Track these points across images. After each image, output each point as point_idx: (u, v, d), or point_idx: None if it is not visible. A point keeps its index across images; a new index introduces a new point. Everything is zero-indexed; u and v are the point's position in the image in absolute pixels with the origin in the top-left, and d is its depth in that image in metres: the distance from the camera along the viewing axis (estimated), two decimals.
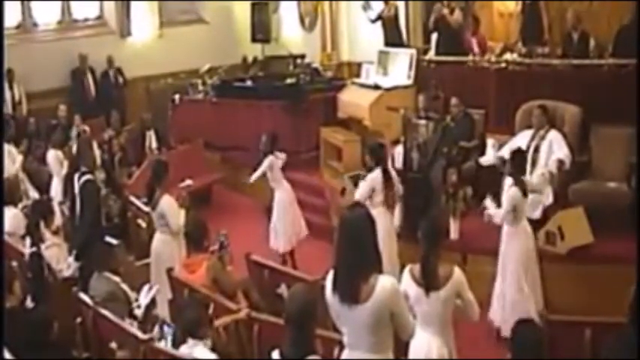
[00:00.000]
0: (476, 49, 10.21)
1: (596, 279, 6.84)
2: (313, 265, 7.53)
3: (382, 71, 10.61)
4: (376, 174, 7.07)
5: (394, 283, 3.75)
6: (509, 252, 6.46)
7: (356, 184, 7.46)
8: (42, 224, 6.85)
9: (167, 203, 6.82)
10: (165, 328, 5.32)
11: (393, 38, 10.61)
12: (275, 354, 3.59)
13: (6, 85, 11.97)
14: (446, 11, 9.90)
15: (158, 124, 11.65)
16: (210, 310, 4.76)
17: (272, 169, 8.36)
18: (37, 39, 13.03)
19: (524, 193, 6.39)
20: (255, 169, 8.53)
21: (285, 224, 8.43)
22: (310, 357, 3.51)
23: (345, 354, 3.85)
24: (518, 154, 6.73)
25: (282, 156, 8.47)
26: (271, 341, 4.69)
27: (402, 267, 4.81)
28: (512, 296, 6.40)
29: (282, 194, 8.46)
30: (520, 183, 6.41)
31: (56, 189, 9.25)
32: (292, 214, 8.53)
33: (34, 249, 6.44)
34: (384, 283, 3.65)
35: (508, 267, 6.46)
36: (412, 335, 3.89)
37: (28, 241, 6.67)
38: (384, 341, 3.75)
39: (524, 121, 8.24)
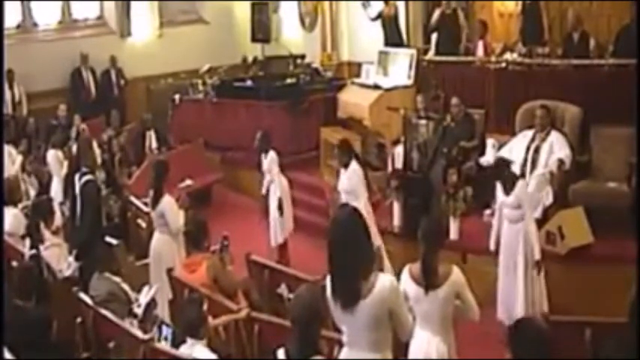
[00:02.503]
0: (480, 52, 10.22)
1: (596, 279, 6.83)
2: (313, 265, 7.52)
3: (382, 71, 10.61)
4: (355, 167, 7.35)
5: (393, 281, 3.76)
6: (514, 250, 6.42)
7: None
8: (42, 224, 6.84)
9: (167, 203, 6.82)
10: (164, 328, 5.32)
11: (393, 38, 10.62)
12: (280, 353, 3.58)
13: (6, 85, 11.98)
14: (449, 12, 9.91)
15: (158, 124, 11.66)
16: (205, 307, 4.75)
17: (275, 165, 8.42)
18: (37, 39, 13.05)
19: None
20: (259, 167, 8.61)
21: (285, 215, 8.47)
22: (315, 357, 3.51)
23: (344, 353, 3.85)
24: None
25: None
26: (271, 341, 4.70)
27: (402, 267, 4.79)
28: (521, 294, 6.36)
29: (284, 187, 8.52)
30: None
31: (56, 189, 9.25)
32: (290, 207, 8.61)
33: (33, 250, 6.44)
34: (383, 281, 3.65)
35: (515, 265, 6.42)
36: (410, 335, 3.89)
37: (27, 241, 6.67)
38: (383, 340, 3.74)
39: (524, 121, 8.24)
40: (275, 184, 8.45)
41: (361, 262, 3.64)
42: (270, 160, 8.42)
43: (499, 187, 6.48)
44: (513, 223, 6.41)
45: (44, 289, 5.55)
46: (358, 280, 3.62)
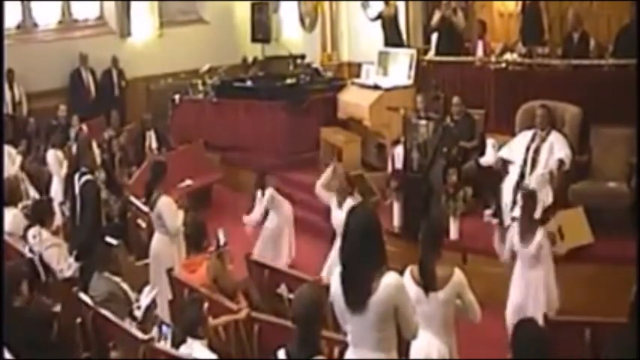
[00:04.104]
0: (480, 52, 10.21)
1: (596, 279, 6.83)
2: (313, 265, 7.55)
3: (382, 71, 10.61)
4: None
5: (399, 279, 3.77)
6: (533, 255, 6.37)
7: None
8: (38, 225, 6.82)
9: (164, 204, 6.80)
10: (164, 328, 5.31)
11: (393, 38, 10.62)
12: (281, 353, 3.58)
13: (6, 85, 11.99)
14: (450, 12, 9.91)
15: (158, 124, 11.65)
16: (205, 308, 4.75)
17: (273, 201, 8.31)
18: (37, 39, 13.06)
19: None
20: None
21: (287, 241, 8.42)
22: (316, 357, 3.51)
23: (349, 353, 3.84)
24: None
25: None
26: (271, 341, 4.70)
27: (403, 267, 4.78)
28: (540, 300, 6.31)
29: (287, 213, 8.46)
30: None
31: (56, 189, 9.25)
32: (292, 235, 8.53)
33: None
34: (388, 278, 3.66)
35: (531, 270, 6.38)
36: (416, 334, 3.88)
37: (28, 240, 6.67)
38: (388, 339, 3.74)
39: (524, 121, 8.23)
40: (274, 211, 8.36)
41: (374, 261, 3.66)
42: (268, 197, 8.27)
43: (515, 232, 6.27)
44: None
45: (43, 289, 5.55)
46: (370, 279, 3.63)
